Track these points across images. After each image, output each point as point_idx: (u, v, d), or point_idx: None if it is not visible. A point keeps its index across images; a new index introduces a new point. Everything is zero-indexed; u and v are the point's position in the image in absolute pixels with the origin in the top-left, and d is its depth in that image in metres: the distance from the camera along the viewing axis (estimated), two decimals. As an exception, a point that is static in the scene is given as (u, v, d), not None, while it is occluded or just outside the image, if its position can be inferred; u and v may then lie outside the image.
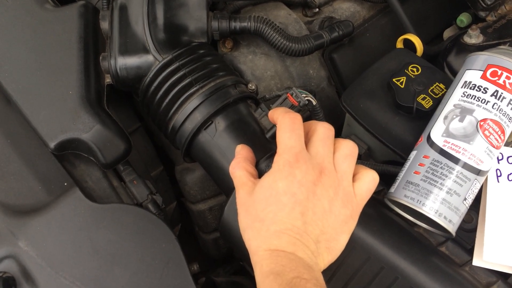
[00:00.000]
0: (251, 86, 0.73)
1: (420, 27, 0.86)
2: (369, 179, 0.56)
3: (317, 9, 0.88)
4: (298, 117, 0.57)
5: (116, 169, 0.72)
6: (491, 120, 0.56)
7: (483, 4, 0.79)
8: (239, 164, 0.59)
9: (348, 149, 0.56)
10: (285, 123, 0.56)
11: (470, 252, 0.60)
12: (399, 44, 0.80)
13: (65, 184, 0.66)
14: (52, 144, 0.65)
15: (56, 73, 0.68)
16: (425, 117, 0.63)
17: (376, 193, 0.66)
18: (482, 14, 0.81)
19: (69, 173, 0.67)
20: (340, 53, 0.85)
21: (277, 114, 0.59)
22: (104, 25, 0.73)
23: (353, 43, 0.86)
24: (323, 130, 0.57)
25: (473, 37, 0.77)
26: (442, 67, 0.78)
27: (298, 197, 0.53)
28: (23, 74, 0.69)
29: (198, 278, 0.87)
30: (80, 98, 0.66)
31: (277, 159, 0.55)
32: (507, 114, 0.57)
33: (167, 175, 0.94)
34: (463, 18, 0.84)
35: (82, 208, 0.63)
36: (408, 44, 0.80)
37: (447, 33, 0.89)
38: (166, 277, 0.59)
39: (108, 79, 0.72)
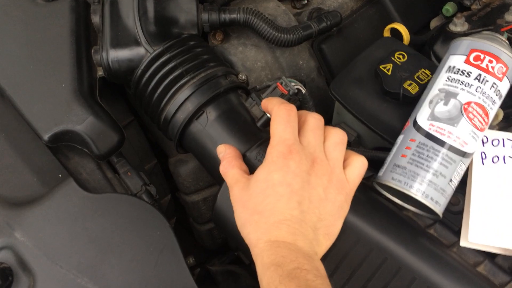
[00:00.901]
0: (242, 76, 0.74)
1: (407, 17, 0.88)
2: (359, 164, 0.58)
3: (306, 1, 0.89)
4: (293, 109, 0.58)
5: (110, 161, 0.73)
6: (475, 103, 0.58)
7: (468, -7, 0.80)
8: (231, 163, 0.60)
9: (338, 137, 0.58)
10: (280, 115, 0.57)
11: (458, 233, 0.62)
12: (386, 33, 0.82)
13: (60, 175, 0.67)
14: (46, 136, 0.66)
15: (49, 66, 0.69)
16: (412, 103, 0.64)
17: (366, 178, 0.68)
18: (467, 2, 0.82)
19: (63, 165, 0.68)
20: (329, 44, 0.86)
21: (272, 104, 0.61)
22: (95, 19, 0.74)
23: (342, 34, 0.87)
24: (314, 120, 0.58)
25: (459, 25, 0.78)
26: (429, 55, 0.79)
27: (293, 187, 0.54)
28: (16, 68, 0.70)
29: (193, 270, 0.88)
30: (72, 90, 0.67)
31: (270, 150, 0.56)
32: (490, 97, 0.58)
33: (161, 169, 0.95)
34: (449, 7, 0.86)
35: (77, 199, 0.63)
36: (395, 33, 0.81)
37: (434, 23, 0.91)
38: (161, 264, 0.60)
39: (100, 72, 0.73)
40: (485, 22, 0.79)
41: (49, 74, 0.69)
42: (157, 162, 0.93)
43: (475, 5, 0.82)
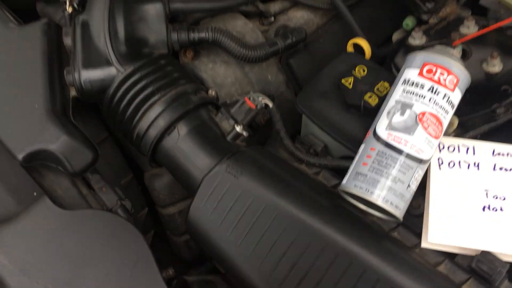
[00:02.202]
0: (211, 92, 0.77)
1: (370, 31, 0.92)
2: None
3: (273, 18, 0.93)
4: None
5: (84, 178, 0.75)
6: (429, 113, 0.62)
7: (424, 8, 0.85)
8: None
9: None
10: None
11: (420, 235, 0.65)
12: (350, 48, 0.85)
13: (35, 193, 0.68)
14: (20, 156, 0.68)
15: (22, 87, 0.71)
16: (373, 114, 0.68)
17: (333, 186, 0.71)
18: (425, 17, 0.87)
19: (38, 184, 0.70)
20: (296, 58, 0.90)
21: None
22: (67, 40, 0.76)
23: (308, 49, 0.91)
24: None
25: (417, 39, 0.83)
26: (390, 67, 0.83)
27: None
28: (-11, 91, 0.71)
29: (172, 281, 0.89)
30: (46, 110, 0.69)
31: None
32: (443, 107, 0.62)
33: (137, 183, 0.97)
34: (409, 22, 0.90)
35: (52, 216, 0.65)
36: (358, 47, 0.85)
37: (396, 36, 0.95)
38: (135, 275, 0.62)
39: (73, 92, 0.75)
40: (441, 35, 0.84)
41: (23, 95, 0.71)
42: (133, 176, 0.95)
43: (433, 19, 0.87)
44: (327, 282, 0.60)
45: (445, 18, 0.87)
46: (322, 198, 0.66)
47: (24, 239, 0.63)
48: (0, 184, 0.68)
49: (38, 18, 0.80)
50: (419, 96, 0.62)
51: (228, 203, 0.65)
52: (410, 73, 0.64)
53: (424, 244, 0.63)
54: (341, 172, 0.69)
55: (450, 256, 0.64)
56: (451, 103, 0.63)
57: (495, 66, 0.75)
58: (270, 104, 0.73)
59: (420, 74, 0.63)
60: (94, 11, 0.76)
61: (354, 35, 0.89)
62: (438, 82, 0.62)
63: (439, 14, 0.87)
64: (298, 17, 0.94)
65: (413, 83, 0.63)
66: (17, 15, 0.84)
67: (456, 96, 0.64)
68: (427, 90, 0.62)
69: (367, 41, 0.84)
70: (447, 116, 0.63)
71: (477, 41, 0.80)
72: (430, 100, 0.62)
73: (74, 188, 0.73)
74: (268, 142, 0.81)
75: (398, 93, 0.64)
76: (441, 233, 0.61)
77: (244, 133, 0.72)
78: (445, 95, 0.62)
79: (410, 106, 0.62)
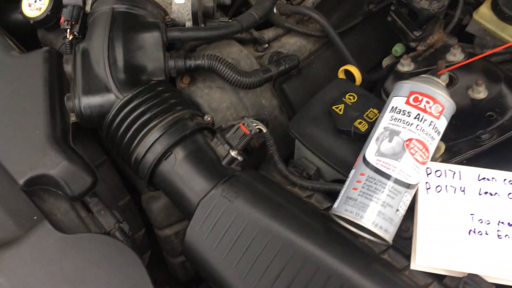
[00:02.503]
0: (207, 118, 0.80)
1: (361, 57, 0.96)
2: None
3: (267, 45, 0.96)
4: None
5: (83, 201, 0.77)
6: (416, 139, 0.64)
7: (412, 36, 0.88)
8: None
9: None
10: None
11: (409, 258, 0.67)
12: (341, 74, 0.89)
13: (35, 217, 0.70)
14: (21, 181, 0.70)
15: (24, 114, 0.73)
16: (363, 139, 0.70)
17: (325, 209, 0.73)
18: (413, 44, 0.90)
19: (38, 207, 0.72)
20: (290, 84, 0.93)
21: None
22: (68, 68, 0.79)
23: (301, 74, 0.94)
24: None
25: (405, 66, 0.86)
26: (380, 93, 0.86)
27: None
28: (-8, 117, 0.74)
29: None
30: (46, 136, 0.71)
31: None
32: (429, 134, 0.65)
33: (134, 204, 0.98)
34: (398, 48, 0.94)
35: (52, 239, 0.67)
36: (349, 73, 0.88)
37: (386, 61, 0.98)
38: (132, 298, 0.64)
39: (73, 118, 0.78)
40: (429, 62, 0.87)
41: (24, 122, 0.73)
42: (131, 198, 0.96)
43: (421, 46, 0.90)
44: (319, 304, 0.62)
45: (433, 45, 0.90)
46: (314, 221, 0.68)
47: (25, 263, 0.65)
48: (1, 208, 0.70)
49: (40, 45, 0.82)
50: (406, 123, 0.65)
51: (223, 227, 0.67)
52: (398, 101, 0.67)
53: (413, 266, 0.65)
54: (334, 195, 0.71)
55: (438, 278, 0.66)
56: (437, 130, 0.66)
57: (480, 92, 0.77)
58: (264, 130, 0.75)
59: (407, 102, 0.66)
60: (94, 39, 0.79)
61: (345, 61, 0.92)
62: (424, 110, 0.65)
63: (427, 42, 0.90)
64: (291, 43, 0.97)
65: (400, 111, 0.66)
66: (19, 43, 0.86)
67: (442, 123, 0.66)
68: (414, 118, 0.65)
69: (357, 68, 0.87)
70: (433, 143, 0.66)
71: (464, 68, 0.83)
72: (416, 127, 0.64)
73: (73, 211, 0.75)
74: (262, 166, 0.83)
75: (386, 120, 0.67)
76: (429, 256, 0.63)
77: (239, 158, 0.74)
78: (431, 123, 0.65)
79: (397, 133, 0.65)
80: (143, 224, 0.98)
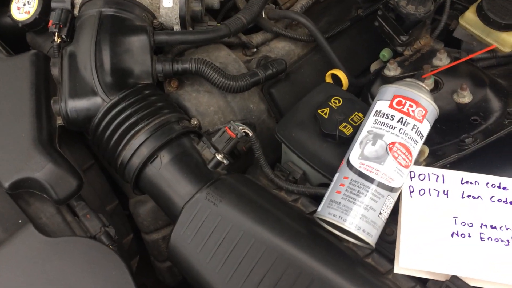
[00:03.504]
0: (194, 121, 0.80)
1: (349, 61, 0.96)
2: None
3: (255, 49, 0.96)
4: None
5: (69, 205, 0.77)
6: (399, 143, 0.65)
7: (399, 41, 0.89)
8: None
9: None
10: None
11: (393, 261, 0.67)
12: (328, 79, 0.89)
13: (20, 221, 0.70)
14: (6, 184, 0.69)
15: (9, 117, 0.73)
16: (348, 143, 0.70)
17: (310, 213, 0.73)
18: (400, 49, 0.91)
19: (23, 211, 0.72)
20: (278, 88, 0.93)
21: None
22: (55, 71, 0.79)
23: (289, 78, 0.94)
24: None
25: (392, 70, 0.87)
26: (367, 97, 0.87)
27: None
28: (-23, 120, 0.74)
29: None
30: (32, 139, 0.71)
31: None
32: (412, 137, 0.65)
33: (123, 209, 0.98)
34: (385, 53, 0.94)
35: (36, 243, 0.67)
36: (336, 78, 0.89)
37: (374, 66, 0.99)
38: (116, 302, 0.64)
39: (59, 121, 0.78)
40: (415, 67, 0.87)
41: (10, 124, 0.73)
42: (119, 202, 0.96)
43: (407, 51, 0.91)
44: (302, 307, 0.62)
45: (419, 50, 0.91)
46: (298, 225, 0.68)
47: (8, 266, 0.65)
48: (-15, 211, 0.70)
49: (29, 49, 0.82)
50: (390, 127, 0.65)
51: (207, 230, 0.67)
52: (381, 105, 0.67)
53: (396, 270, 0.65)
54: (319, 199, 0.71)
55: (421, 282, 0.66)
56: (420, 134, 0.66)
57: (465, 97, 0.78)
58: (250, 133, 0.75)
59: (391, 106, 0.66)
60: (81, 42, 0.79)
61: (333, 66, 0.93)
62: (407, 113, 0.65)
63: (414, 46, 0.91)
64: (280, 48, 0.98)
65: (384, 114, 0.66)
66: (9, 46, 0.87)
67: (425, 127, 0.67)
68: (397, 121, 0.65)
69: (344, 73, 0.88)
70: (416, 146, 0.66)
71: (449, 72, 0.84)
72: (400, 131, 0.65)
73: (58, 215, 0.75)
74: (249, 170, 0.84)
75: (370, 124, 0.67)
76: (412, 258, 0.64)
77: (225, 161, 0.74)
78: (414, 126, 0.65)
79: (381, 136, 0.65)
80: (131, 229, 0.98)
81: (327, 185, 0.73)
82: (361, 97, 0.88)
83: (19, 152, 0.71)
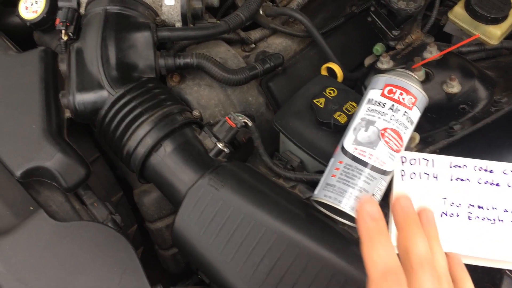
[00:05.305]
0: (195, 113, 0.83)
1: (344, 56, 1.00)
2: None
3: (254, 45, 1.00)
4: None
5: (77, 193, 0.80)
6: (390, 129, 0.68)
7: (391, 35, 0.93)
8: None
9: None
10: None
11: (387, 242, 0.71)
12: (323, 71, 0.93)
13: (31, 208, 0.73)
14: (18, 173, 0.73)
15: (21, 110, 0.77)
16: (342, 131, 0.74)
17: (307, 198, 0.77)
18: (392, 43, 0.95)
19: (34, 199, 0.75)
20: (275, 82, 0.97)
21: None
22: (63, 66, 0.83)
23: (286, 72, 0.98)
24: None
25: (385, 63, 0.91)
26: (361, 89, 0.91)
27: None
28: (-10, 112, 0.77)
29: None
30: (42, 130, 0.75)
31: None
32: (403, 123, 0.69)
33: (127, 201, 1.02)
34: (378, 48, 0.98)
35: (47, 227, 0.70)
36: (331, 71, 0.93)
37: (368, 60, 1.03)
38: (124, 281, 0.67)
39: (68, 114, 0.81)
40: (407, 60, 0.91)
41: (21, 116, 0.76)
42: (123, 194, 1.00)
43: (399, 45, 0.95)
44: (301, 285, 0.65)
45: (411, 44, 0.94)
46: (296, 208, 0.72)
47: (21, 249, 0.68)
48: (-1, 199, 0.73)
49: (36, 47, 0.86)
50: (381, 113, 0.69)
51: (210, 214, 0.71)
52: (374, 94, 0.71)
53: (389, 249, 0.69)
54: (316, 185, 0.75)
55: (414, 260, 0.69)
56: (410, 120, 0.70)
57: (454, 87, 0.82)
58: (249, 123, 0.79)
59: (382, 94, 0.70)
60: (88, 39, 0.83)
61: (328, 60, 0.97)
62: (398, 101, 0.69)
63: (405, 41, 0.95)
64: (277, 43, 1.02)
65: (376, 102, 0.70)
66: (16, 44, 0.90)
67: (415, 114, 0.70)
68: (388, 109, 0.69)
69: (338, 66, 0.91)
70: (406, 132, 0.70)
71: (440, 65, 0.88)
72: (391, 117, 0.69)
73: (67, 203, 0.79)
74: (249, 159, 0.87)
75: (363, 111, 0.71)
76: (404, 238, 0.67)
77: (226, 150, 0.78)
78: (404, 113, 0.69)
79: (373, 123, 0.69)
80: (136, 220, 1.02)
81: (323, 172, 0.77)
82: (355, 89, 0.91)
83: (30, 143, 0.75)
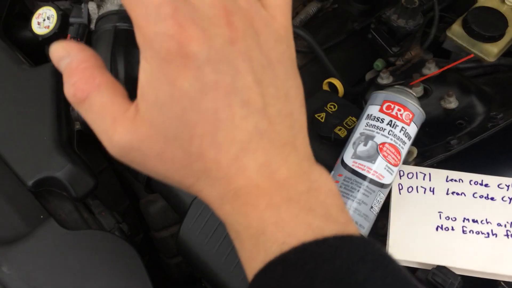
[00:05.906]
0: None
1: (346, 71, 1.03)
2: None
3: (258, 60, 1.03)
4: None
5: (86, 203, 0.83)
6: (388, 143, 0.71)
7: (391, 52, 0.96)
8: (89, 81, 0.37)
9: None
10: None
11: (385, 253, 0.73)
12: (325, 86, 0.96)
13: (42, 216, 0.76)
14: (29, 183, 0.76)
15: (33, 122, 0.80)
16: (342, 144, 0.77)
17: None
18: (392, 59, 0.98)
19: (44, 208, 0.78)
20: (278, 96, 0.99)
21: None
22: (74, 80, 0.86)
23: (289, 87, 1.01)
24: None
25: (384, 79, 0.93)
26: (361, 104, 0.93)
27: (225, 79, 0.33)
28: (3, 124, 0.80)
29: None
30: (53, 142, 0.78)
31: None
32: (401, 139, 0.72)
33: (133, 210, 1.05)
34: (379, 63, 1.01)
35: (57, 235, 0.73)
36: (332, 86, 0.95)
37: (369, 76, 1.05)
38: (130, 286, 0.70)
39: (78, 126, 0.85)
40: (406, 75, 0.94)
41: (33, 129, 0.80)
42: (130, 204, 1.03)
43: (399, 61, 0.98)
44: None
45: (410, 60, 0.97)
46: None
47: (32, 257, 0.71)
48: (10, 207, 0.76)
49: (47, 60, 0.90)
50: (380, 129, 0.71)
51: (214, 224, 0.73)
52: (372, 109, 0.74)
53: (387, 260, 0.71)
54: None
55: (411, 271, 0.71)
56: (407, 135, 0.72)
57: (451, 103, 0.84)
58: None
59: (381, 110, 0.73)
60: (98, 54, 0.86)
61: (330, 75, 1.00)
62: (396, 117, 0.72)
63: (405, 57, 0.97)
64: (281, 59, 1.05)
65: (374, 118, 0.73)
66: (28, 58, 0.94)
67: (412, 129, 0.73)
68: (387, 124, 0.72)
69: (340, 81, 0.94)
70: (404, 146, 0.72)
71: (438, 81, 0.90)
72: (389, 132, 0.71)
73: (76, 212, 0.82)
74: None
75: (362, 126, 0.73)
76: (401, 249, 0.69)
77: (229, 162, 0.81)
78: (402, 128, 0.72)
79: (372, 137, 0.71)
80: (141, 229, 1.04)
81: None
82: (356, 103, 0.94)
83: (41, 154, 0.78)
